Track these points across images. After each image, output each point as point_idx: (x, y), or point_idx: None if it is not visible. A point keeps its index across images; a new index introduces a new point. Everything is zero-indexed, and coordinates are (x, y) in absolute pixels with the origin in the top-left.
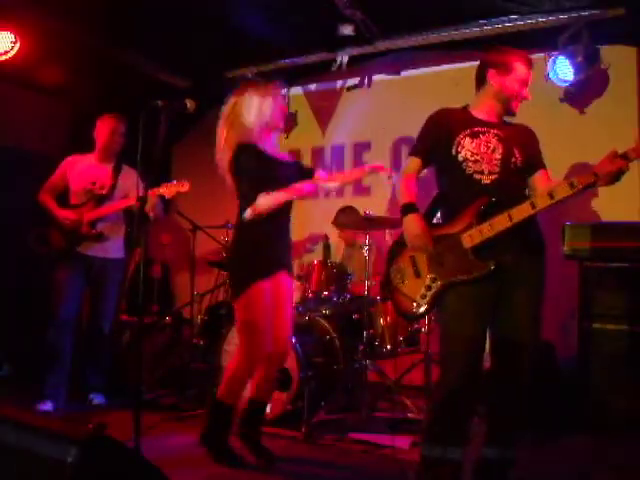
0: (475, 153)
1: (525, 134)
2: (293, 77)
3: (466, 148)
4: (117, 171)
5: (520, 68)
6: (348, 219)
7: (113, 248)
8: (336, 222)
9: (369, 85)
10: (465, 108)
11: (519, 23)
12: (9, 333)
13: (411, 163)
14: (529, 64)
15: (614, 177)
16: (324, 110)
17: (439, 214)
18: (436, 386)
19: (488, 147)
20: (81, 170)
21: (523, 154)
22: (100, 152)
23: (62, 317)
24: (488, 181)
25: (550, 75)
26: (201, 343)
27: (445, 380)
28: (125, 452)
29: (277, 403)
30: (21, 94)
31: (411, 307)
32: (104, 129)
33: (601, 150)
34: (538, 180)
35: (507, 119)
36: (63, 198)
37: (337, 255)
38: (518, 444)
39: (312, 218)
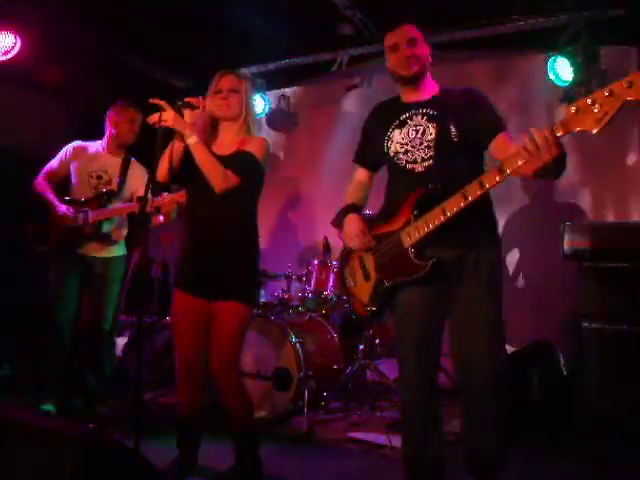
0: (404, 143)
1: (464, 100)
2: (293, 77)
3: (395, 141)
4: (126, 165)
5: (386, 40)
6: None
7: (115, 247)
8: (336, 222)
9: (369, 85)
10: (398, 96)
11: (519, 23)
12: (9, 333)
13: (355, 172)
14: (391, 29)
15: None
16: (324, 110)
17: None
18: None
19: (417, 131)
20: (86, 160)
21: (462, 126)
22: (111, 142)
23: (59, 318)
24: (422, 169)
25: (550, 75)
26: None
27: (401, 383)
28: (125, 452)
29: (277, 403)
30: (21, 94)
31: (362, 309)
32: (121, 117)
33: (601, 150)
34: (495, 148)
35: (448, 87)
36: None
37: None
38: (501, 440)
39: (312, 218)
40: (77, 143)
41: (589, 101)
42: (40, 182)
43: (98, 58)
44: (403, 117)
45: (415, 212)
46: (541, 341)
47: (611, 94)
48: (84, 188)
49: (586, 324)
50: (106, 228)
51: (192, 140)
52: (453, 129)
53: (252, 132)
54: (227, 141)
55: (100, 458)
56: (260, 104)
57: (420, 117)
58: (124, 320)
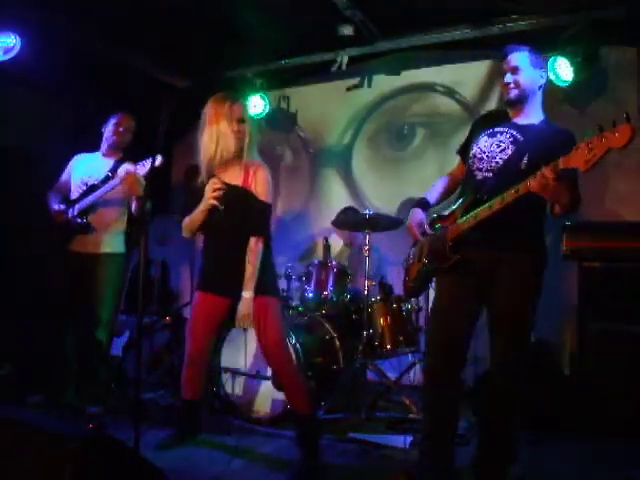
0: (483, 151)
1: (552, 140)
2: (293, 77)
3: (478, 145)
4: (117, 165)
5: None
6: (348, 219)
7: (108, 243)
8: (336, 222)
9: (369, 85)
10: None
11: (519, 23)
12: (9, 333)
13: (456, 163)
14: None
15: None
16: (324, 110)
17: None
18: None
19: (499, 146)
20: (83, 166)
21: (534, 161)
22: (110, 147)
23: (61, 317)
24: (481, 177)
25: (550, 75)
26: None
27: (425, 364)
28: (125, 452)
29: (277, 403)
30: (21, 94)
31: (407, 284)
32: (127, 126)
33: None
34: None
35: (551, 121)
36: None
37: (337, 255)
38: (515, 442)
39: (312, 218)
40: (78, 155)
41: (590, 145)
42: (48, 195)
43: (98, 58)
44: (497, 129)
45: (462, 213)
46: (541, 341)
47: (601, 140)
48: (78, 190)
49: (586, 324)
50: (91, 218)
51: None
52: (526, 159)
53: (252, 153)
54: (233, 166)
55: (100, 458)
56: (260, 104)
57: (508, 136)
58: (124, 320)
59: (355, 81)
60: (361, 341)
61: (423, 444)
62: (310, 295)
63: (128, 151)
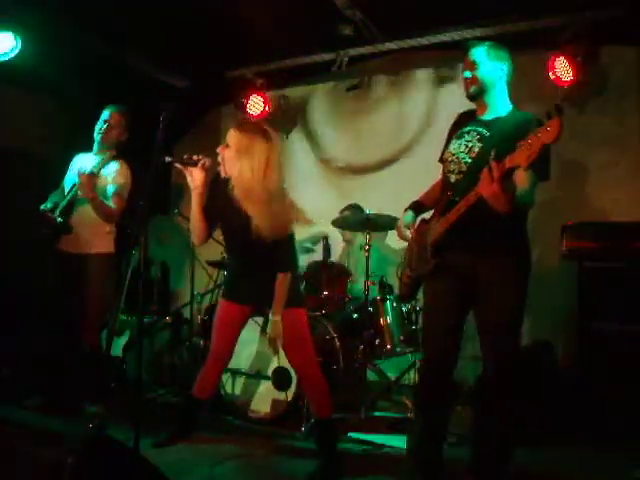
0: (453, 154)
1: (516, 127)
2: (293, 77)
3: (449, 149)
4: (106, 161)
5: None
6: (348, 219)
7: (95, 243)
8: (336, 222)
9: (369, 85)
10: None
11: (519, 23)
12: (9, 333)
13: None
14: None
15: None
16: (324, 110)
17: None
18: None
19: (467, 146)
20: (75, 165)
21: (501, 152)
22: (96, 146)
23: (54, 317)
24: (454, 180)
25: (550, 75)
26: (201, 343)
27: (420, 368)
28: (125, 452)
29: (277, 403)
30: (21, 94)
31: (401, 291)
32: (102, 121)
33: (601, 150)
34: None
35: (518, 109)
36: None
37: (337, 255)
38: (509, 441)
39: (312, 218)
40: (78, 155)
41: (529, 141)
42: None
43: (98, 58)
44: (465, 129)
45: (439, 216)
46: (541, 341)
47: (537, 136)
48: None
49: (586, 324)
50: (73, 219)
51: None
52: (493, 153)
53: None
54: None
55: (100, 458)
56: (260, 104)
57: (474, 134)
58: (124, 320)
59: (355, 81)
60: (361, 341)
61: (411, 443)
62: (310, 295)
63: (123, 148)
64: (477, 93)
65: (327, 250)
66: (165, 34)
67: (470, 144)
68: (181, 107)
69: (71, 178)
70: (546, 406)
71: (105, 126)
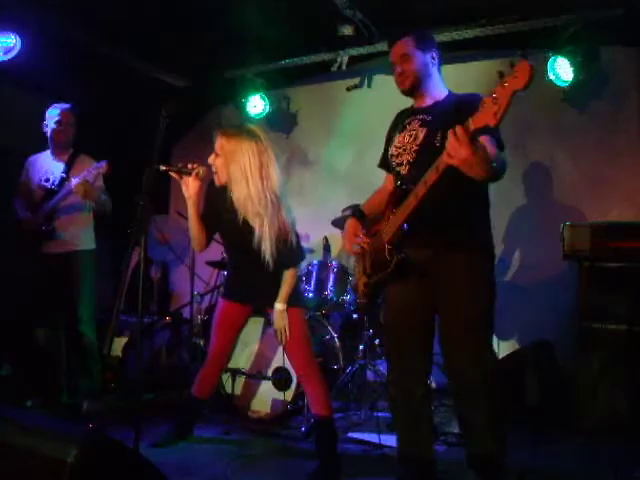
0: (398, 147)
1: (458, 105)
2: (293, 77)
3: (393, 144)
4: (70, 164)
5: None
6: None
7: (76, 241)
8: (337, 221)
9: (369, 85)
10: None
11: (519, 23)
12: (9, 333)
13: (384, 177)
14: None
15: (472, 164)
16: (324, 110)
17: None
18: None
19: (411, 136)
20: (38, 168)
21: (446, 130)
22: (50, 145)
23: (43, 318)
24: (405, 171)
25: (550, 75)
26: (201, 343)
27: (388, 376)
28: (125, 452)
29: (277, 403)
30: (21, 94)
31: (358, 301)
32: (50, 120)
33: (601, 150)
34: None
35: (455, 92)
36: None
37: (337, 255)
38: (497, 441)
39: (312, 218)
40: (31, 157)
41: (494, 95)
42: (14, 202)
43: (98, 58)
44: (406, 122)
45: (393, 210)
46: (541, 341)
47: (503, 86)
48: (38, 193)
49: (586, 324)
50: (56, 222)
51: None
52: (438, 134)
53: None
54: None
55: (100, 458)
56: (260, 104)
57: (416, 122)
58: (124, 320)
59: (355, 81)
60: (361, 341)
61: (398, 440)
62: (310, 295)
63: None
64: (413, 86)
65: (327, 250)
66: (165, 34)
67: (414, 132)
68: (181, 107)
69: (37, 180)
70: (546, 406)
71: (59, 126)
